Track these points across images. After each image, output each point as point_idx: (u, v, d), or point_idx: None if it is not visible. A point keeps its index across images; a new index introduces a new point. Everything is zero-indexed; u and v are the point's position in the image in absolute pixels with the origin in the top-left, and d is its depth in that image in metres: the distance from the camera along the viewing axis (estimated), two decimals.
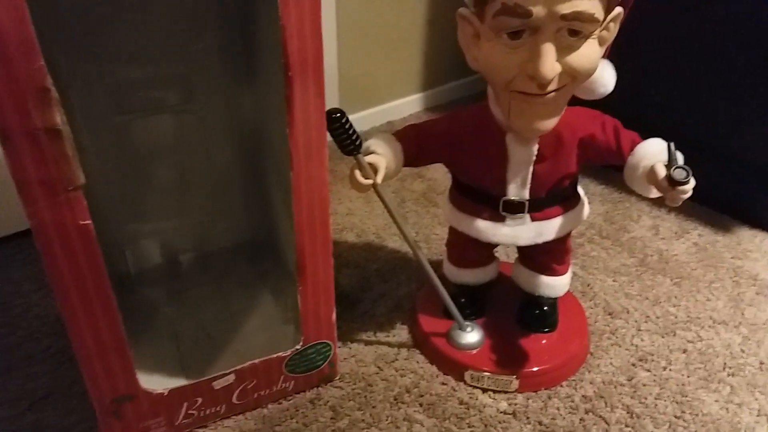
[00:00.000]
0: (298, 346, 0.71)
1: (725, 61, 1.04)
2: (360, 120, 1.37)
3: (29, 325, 0.86)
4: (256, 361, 0.69)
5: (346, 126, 0.65)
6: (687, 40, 1.08)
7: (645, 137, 0.68)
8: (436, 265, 0.89)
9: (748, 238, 1.04)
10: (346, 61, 1.31)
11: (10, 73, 0.47)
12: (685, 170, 0.59)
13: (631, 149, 0.66)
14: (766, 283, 0.94)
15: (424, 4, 1.39)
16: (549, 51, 0.57)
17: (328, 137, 0.62)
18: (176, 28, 0.73)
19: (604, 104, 0.69)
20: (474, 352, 0.78)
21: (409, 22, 1.40)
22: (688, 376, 0.78)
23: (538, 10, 0.55)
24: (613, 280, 0.95)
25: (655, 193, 0.64)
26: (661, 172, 0.61)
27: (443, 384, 0.77)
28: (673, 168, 0.59)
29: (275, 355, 0.70)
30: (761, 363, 0.80)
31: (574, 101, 0.68)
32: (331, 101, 1.30)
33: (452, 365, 0.78)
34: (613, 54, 0.67)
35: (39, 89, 0.48)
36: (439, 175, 1.21)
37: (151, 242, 0.86)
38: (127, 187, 0.81)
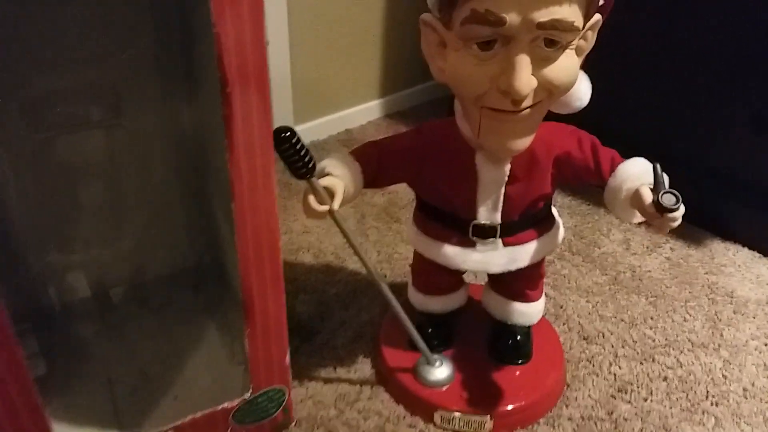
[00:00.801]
0: (246, 395, 0.63)
1: (699, 72, 1.02)
2: (316, 128, 1.29)
3: None
4: (198, 414, 0.60)
5: (297, 146, 0.56)
6: (661, 51, 1.05)
7: (619, 149, 0.63)
8: (400, 288, 0.82)
9: (721, 251, 1.01)
10: (299, 66, 1.22)
11: None
12: (675, 196, 0.53)
13: (612, 170, 0.60)
14: (742, 300, 0.90)
15: (382, 5, 1.32)
16: (524, 63, 0.51)
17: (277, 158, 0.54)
18: (102, 32, 0.64)
19: (578, 117, 0.63)
20: (443, 389, 0.71)
21: (366, 25, 1.32)
22: (671, 407, 0.73)
23: (512, 18, 0.49)
24: (587, 301, 0.90)
25: (638, 218, 0.59)
26: (648, 196, 0.55)
27: (411, 427, 0.70)
28: (662, 193, 0.54)
29: (219, 407, 0.62)
30: (745, 390, 0.76)
31: (547, 115, 0.62)
32: (285, 110, 1.21)
33: (420, 405, 0.71)
34: (586, 65, 0.61)
35: None
36: (401, 187, 1.12)
37: (80, 273, 0.76)
38: (51, 212, 0.72)
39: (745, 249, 1.01)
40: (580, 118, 0.64)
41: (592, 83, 0.62)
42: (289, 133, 0.56)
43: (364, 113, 1.39)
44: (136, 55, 0.67)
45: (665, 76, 1.06)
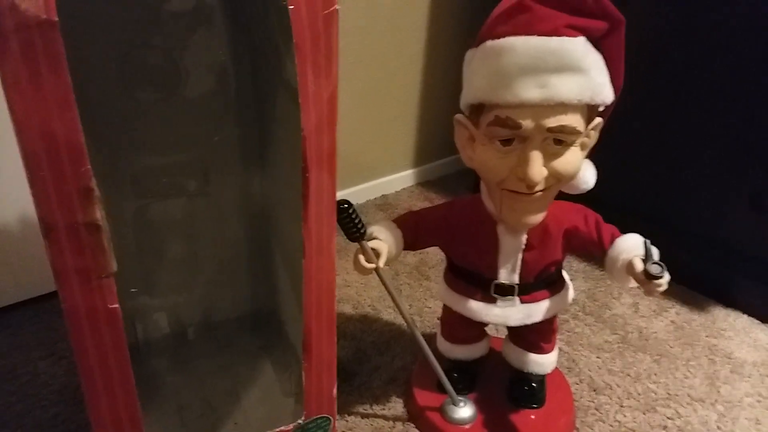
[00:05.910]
0: (300, 420, 0.74)
1: (702, 152, 1.12)
2: (355, 194, 1.44)
3: (37, 393, 0.89)
4: None
5: (353, 215, 0.70)
6: (666, 132, 1.17)
7: (624, 221, 0.75)
8: (429, 338, 0.93)
9: (722, 317, 1.10)
10: (342, 138, 1.37)
11: (60, 174, 0.52)
12: (660, 266, 0.65)
13: (611, 242, 0.73)
14: (739, 361, 1.00)
15: (417, 87, 1.49)
16: (536, 157, 0.65)
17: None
18: (198, 122, 0.80)
19: (587, 194, 0.76)
20: (467, 427, 0.82)
21: (402, 104, 1.49)
22: None
23: (527, 123, 0.63)
24: (597, 357, 1.00)
25: (632, 284, 0.70)
26: (639, 266, 0.67)
27: None
28: (650, 263, 0.66)
29: (277, 430, 0.73)
30: None
31: (560, 195, 0.74)
32: None
33: None
34: (593, 153, 0.74)
35: (84, 189, 0.54)
36: (431, 249, 1.25)
37: (161, 314, 0.90)
38: (141, 263, 0.86)
39: (745, 316, 1.11)
40: (587, 194, 0.76)
41: (597, 163, 0.75)
42: (347, 205, 0.70)
43: (399, 181, 1.54)
44: (223, 139, 0.82)
45: (671, 155, 1.17)
